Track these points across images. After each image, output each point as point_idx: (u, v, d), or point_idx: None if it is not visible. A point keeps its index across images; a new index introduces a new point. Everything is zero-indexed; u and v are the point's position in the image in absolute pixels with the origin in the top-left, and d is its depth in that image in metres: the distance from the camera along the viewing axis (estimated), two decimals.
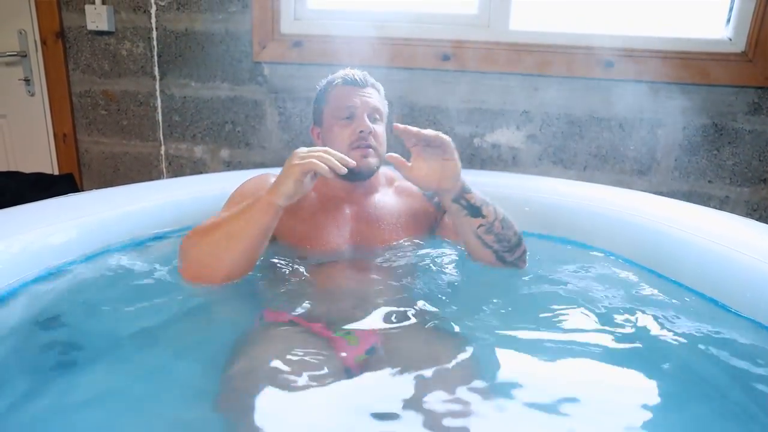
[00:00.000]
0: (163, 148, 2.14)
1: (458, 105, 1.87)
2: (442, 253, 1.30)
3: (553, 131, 1.84)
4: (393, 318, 1.01)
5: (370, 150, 1.23)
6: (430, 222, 1.35)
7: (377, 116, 1.26)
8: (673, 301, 1.11)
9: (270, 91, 2.00)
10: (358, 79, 1.25)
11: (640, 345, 0.96)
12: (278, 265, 1.28)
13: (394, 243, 1.28)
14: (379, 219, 1.29)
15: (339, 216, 1.28)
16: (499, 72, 1.82)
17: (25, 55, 2.16)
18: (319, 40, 1.90)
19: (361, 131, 1.21)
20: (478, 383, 0.82)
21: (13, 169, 2.27)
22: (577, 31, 1.77)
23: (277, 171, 1.05)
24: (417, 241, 1.31)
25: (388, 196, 1.34)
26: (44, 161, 2.26)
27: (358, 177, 1.25)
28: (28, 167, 2.22)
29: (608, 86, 1.77)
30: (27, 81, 2.19)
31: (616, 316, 1.06)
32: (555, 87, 1.81)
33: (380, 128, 1.26)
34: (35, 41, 2.14)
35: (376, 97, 1.27)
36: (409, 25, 1.86)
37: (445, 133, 1.02)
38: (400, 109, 1.90)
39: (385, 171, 1.36)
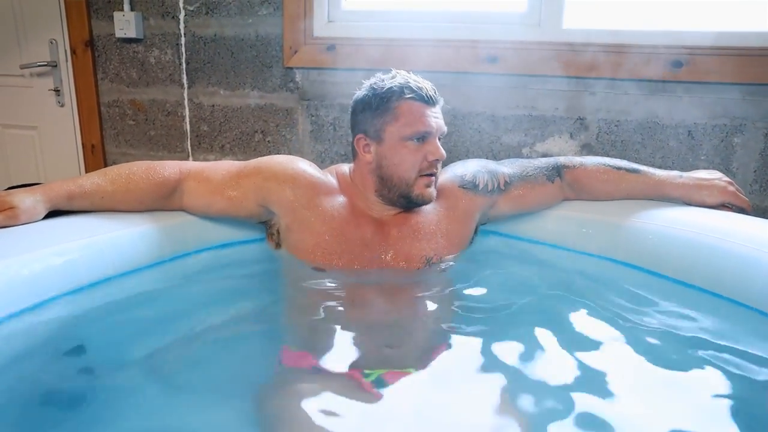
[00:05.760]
0: (190, 159, 2.06)
1: (505, 112, 1.73)
2: (485, 271, 1.22)
3: (612, 140, 1.67)
4: (431, 357, 0.91)
5: (434, 179, 1.18)
6: (478, 210, 1.27)
7: (441, 138, 1.20)
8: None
9: (302, 98, 1.90)
10: (431, 96, 1.16)
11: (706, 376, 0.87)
12: (299, 289, 1.20)
13: (433, 258, 1.18)
14: (416, 233, 1.19)
15: (370, 231, 1.18)
16: (551, 75, 1.66)
17: (56, 65, 2.14)
18: (354, 43, 1.79)
19: (436, 159, 1.15)
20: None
21: (42, 180, 2.24)
22: (639, 28, 1.60)
23: None
24: (456, 254, 1.21)
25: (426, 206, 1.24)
26: (73, 172, 2.22)
27: (415, 205, 1.20)
28: (57, 178, 2.18)
29: (675, 89, 1.59)
30: (57, 91, 2.16)
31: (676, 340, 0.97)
32: (614, 91, 1.64)
33: None
34: (65, 50, 2.11)
35: (441, 115, 1.20)
36: (451, 25, 1.74)
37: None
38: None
39: None
